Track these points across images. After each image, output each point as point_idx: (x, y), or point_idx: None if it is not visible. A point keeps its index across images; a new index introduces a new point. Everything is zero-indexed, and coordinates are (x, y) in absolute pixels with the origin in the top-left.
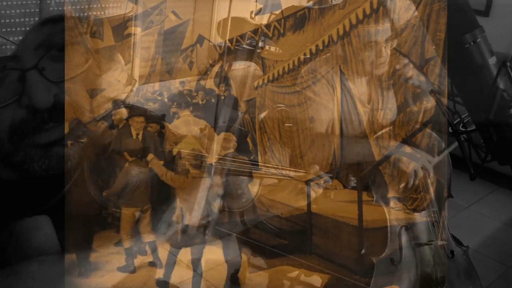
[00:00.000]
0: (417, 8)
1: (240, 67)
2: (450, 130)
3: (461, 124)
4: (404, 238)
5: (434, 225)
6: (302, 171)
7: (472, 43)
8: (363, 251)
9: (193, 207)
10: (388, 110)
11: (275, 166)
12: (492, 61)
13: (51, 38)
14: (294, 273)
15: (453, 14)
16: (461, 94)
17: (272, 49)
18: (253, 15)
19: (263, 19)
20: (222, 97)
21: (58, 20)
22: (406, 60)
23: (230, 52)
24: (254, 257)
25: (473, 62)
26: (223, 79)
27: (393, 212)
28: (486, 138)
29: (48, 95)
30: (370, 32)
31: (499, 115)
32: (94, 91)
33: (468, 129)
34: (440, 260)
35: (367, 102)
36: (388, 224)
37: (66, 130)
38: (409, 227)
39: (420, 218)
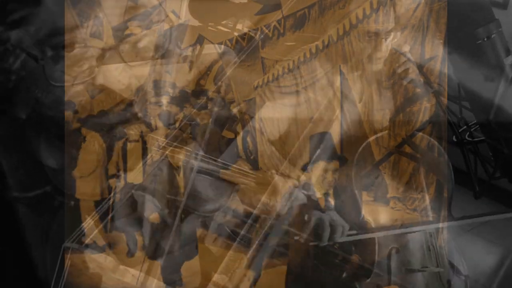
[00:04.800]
0: (417, 7)
1: (211, 52)
2: (454, 139)
3: (468, 133)
4: (393, 262)
5: (429, 249)
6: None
7: (485, 39)
8: (344, 274)
9: None
10: (388, 110)
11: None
12: (507, 61)
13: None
14: None
15: (464, 5)
16: (469, 97)
17: (272, 48)
18: None
19: None
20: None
21: None
22: (406, 60)
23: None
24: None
25: (485, 61)
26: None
27: (390, 214)
28: (495, 151)
29: None
30: (370, 31)
31: None
32: (94, 91)
33: (475, 139)
34: None
35: (360, 101)
36: (376, 245)
37: None
38: (400, 249)
39: (414, 239)
